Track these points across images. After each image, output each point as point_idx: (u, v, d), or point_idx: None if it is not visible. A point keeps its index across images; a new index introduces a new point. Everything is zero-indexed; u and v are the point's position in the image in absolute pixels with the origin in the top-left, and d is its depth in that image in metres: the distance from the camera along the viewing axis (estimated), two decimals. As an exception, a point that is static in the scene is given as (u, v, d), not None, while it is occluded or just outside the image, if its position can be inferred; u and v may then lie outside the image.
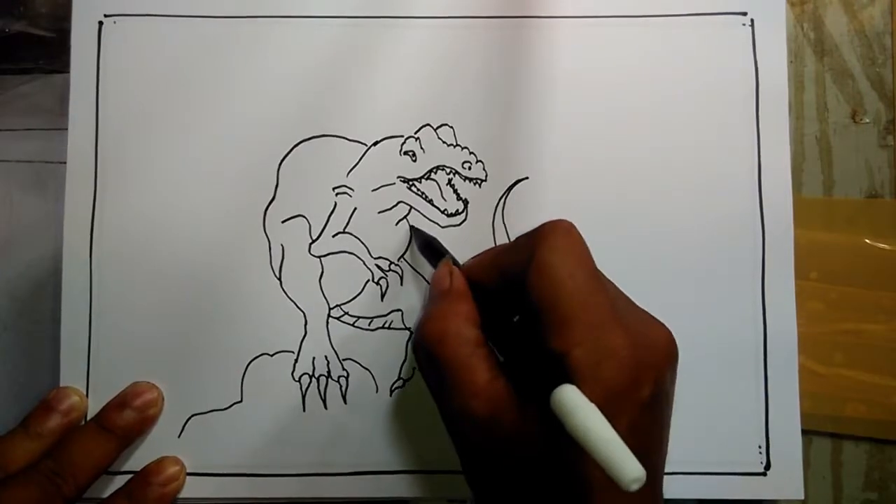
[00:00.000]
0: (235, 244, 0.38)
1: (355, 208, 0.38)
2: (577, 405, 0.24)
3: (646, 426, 0.27)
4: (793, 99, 0.41)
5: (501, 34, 0.39)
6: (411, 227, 0.38)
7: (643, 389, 0.27)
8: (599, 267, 0.30)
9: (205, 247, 0.38)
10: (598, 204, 0.38)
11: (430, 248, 0.36)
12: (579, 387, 0.25)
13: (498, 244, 0.38)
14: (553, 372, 0.27)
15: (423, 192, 0.38)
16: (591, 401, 0.25)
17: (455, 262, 0.34)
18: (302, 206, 0.38)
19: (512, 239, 0.38)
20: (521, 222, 0.38)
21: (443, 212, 0.38)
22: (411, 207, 0.38)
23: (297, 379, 0.37)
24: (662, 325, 0.29)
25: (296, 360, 0.38)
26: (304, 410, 0.37)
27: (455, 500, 0.38)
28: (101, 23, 0.39)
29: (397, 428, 0.37)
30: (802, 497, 0.37)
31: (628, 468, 0.22)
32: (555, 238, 0.29)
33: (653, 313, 0.30)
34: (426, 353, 0.30)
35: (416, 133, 0.38)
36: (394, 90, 0.38)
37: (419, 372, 0.38)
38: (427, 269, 0.37)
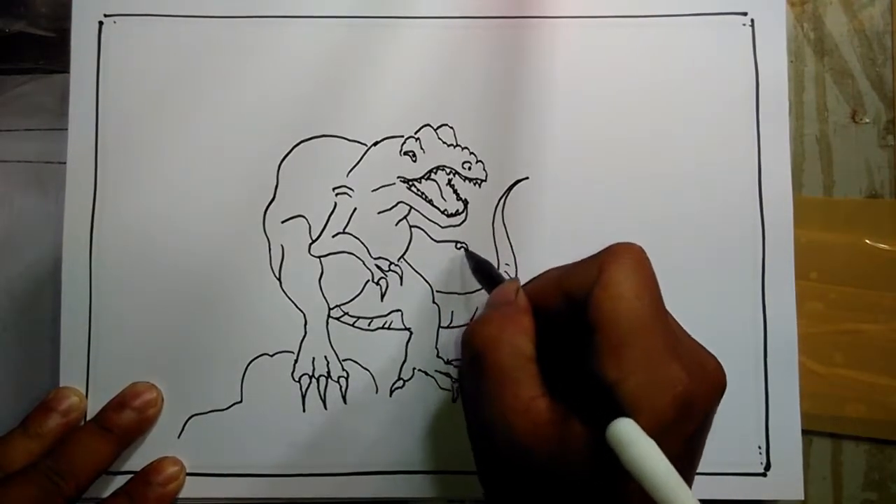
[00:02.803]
0: (235, 244, 0.38)
1: (355, 208, 0.38)
2: (635, 439, 0.24)
3: (687, 457, 0.27)
4: (793, 99, 0.41)
5: (501, 34, 0.39)
6: (466, 251, 0.38)
7: (692, 423, 0.26)
8: None
9: (205, 247, 0.38)
10: (597, 204, 0.38)
11: (484, 272, 0.36)
12: (632, 416, 0.25)
13: (498, 244, 0.38)
14: (604, 399, 0.26)
15: (423, 193, 0.38)
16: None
17: None
18: (302, 206, 0.38)
19: (512, 239, 0.38)
20: (521, 222, 0.38)
21: (443, 212, 0.38)
22: (411, 207, 0.38)
23: (296, 379, 0.37)
24: (714, 357, 0.29)
25: (296, 361, 0.38)
26: (303, 411, 0.37)
27: (455, 500, 0.37)
28: (101, 23, 0.39)
29: (397, 428, 0.37)
30: (802, 497, 0.37)
31: None
32: (625, 258, 0.28)
33: None
34: (474, 353, 0.29)
35: (416, 133, 0.38)
36: (394, 90, 0.38)
37: (420, 371, 0.38)
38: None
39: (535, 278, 0.32)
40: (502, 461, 0.28)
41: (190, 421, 0.37)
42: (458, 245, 0.38)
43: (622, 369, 0.26)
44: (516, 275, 0.38)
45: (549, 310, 0.30)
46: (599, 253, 0.29)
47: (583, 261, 0.29)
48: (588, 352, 0.27)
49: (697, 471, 0.37)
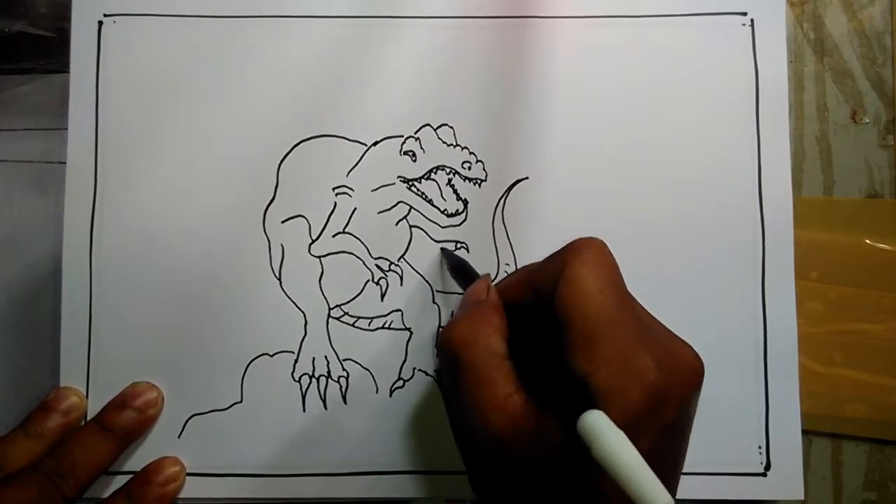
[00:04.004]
0: (235, 244, 0.38)
1: (355, 208, 0.38)
2: (604, 431, 0.24)
3: (666, 449, 0.27)
4: (793, 99, 0.41)
5: (501, 34, 0.39)
6: (442, 250, 0.38)
7: (667, 413, 0.26)
8: None
9: (205, 247, 0.38)
10: (597, 204, 0.38)
11: (461, 271, 0.36)
12: (603, 408, 0.25)
13: (498, 244, 0.38)
14: (577, 392, 0.26)
15: (422, 192, 0.38)
16: (615, 423, 0.24)
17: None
18: (302, 206, 0.38)
19: (512, 239, 0.38)
20: (521, 222, 0.38)
21: (443, 212, 0.38)
22: (411, 207, 0.38)
23: (296, 379, 0.37)
24: (689, 347, 0.29)
25: (296, 361, 0.38)
26: (303, 411, 0.37)
27: (454, 500, 0.38)
28: (100, 22, 0.39)
29: (397, 428, 0.37)
30: (802, 497, 0.37)
31: (656, 496, 0.22)
32: (587, 253, 0.28)
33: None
34: (449, 356, 0.29)
35: (416, 133, 0.38)
36: (394, 90, 0.38)
37: (410, 371, 0.38)
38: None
39: (507, 276, 0.32)
40: (483, 459, 0.29)
41: (190, 421, 0.37)
42: (458, 245, 0.38)
43: (592, 363, 0.26)
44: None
45: (519, 306, 0.30)
46: (562, 249, 0.29)
47: (548, 257, 0.30)
48: (558, 347, 0.27)
49: (698, 471, 0.37)
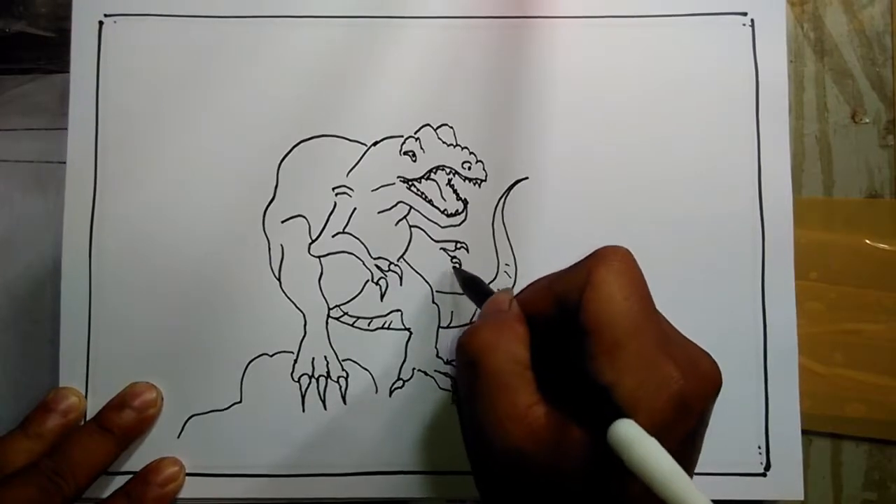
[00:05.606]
0: (235, 244, 0.38)
1: (355, 208, 0.38)
2: (637, 440, 0.24)
3: (685, 455, 0.27)
4: (793, 99, 0.41)
5: (501, 34, 0.39)
6: (455, 269, 0.38)
7: (689, 422, 0.26)
8: None
9: (204, 247, 0.38)
10: (597, 204, 0.38)
11: (474, 287, 0.36)
12: (628, 417, 0.24)
13: (498, 244, 0.38)
14: (600, 401, 0.26)
15: (422, 192, 0.38)
16: None
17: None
18: (302, 206, 0.38)
19: (511, 239, 0.38)
20: (521, 222, 0.38)
21: (442, 212, 0.38)
22: (411, 207, 0.38)
23: (296, 379, 0.37)
24: (708, 355, 0.29)
25: (295, 361, 0.37)
26: (303, 411, 0.37)
27: (455, 500, 0.37)
28: (101, 23, 0.39)
29: (397, 428, 0.37)
30: (802, 497, 0.37)
31: (696, 502, 0.22)
32: (613, 260, 0.28)
33: None
34: (468, 360, 0.29)
35: (416, 133, 0.38)
36: (394, 90, 0.38)
37: (411, 374, 0.38)
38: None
39: (526, 288, 0.32)
40: (500, 467, 0.28)
41: (189, 421, 0.37)
42: (458, 245, 0.38)
43: (616, 371, 0.26)
44: (515, 274, 0.38)
45: (542, 317, 0.30)
46: (588, 257, 0.29)
47: (572, 266, 0.29)
48: (582, 355, 0.27)
49: (697, 471, 0.37)
